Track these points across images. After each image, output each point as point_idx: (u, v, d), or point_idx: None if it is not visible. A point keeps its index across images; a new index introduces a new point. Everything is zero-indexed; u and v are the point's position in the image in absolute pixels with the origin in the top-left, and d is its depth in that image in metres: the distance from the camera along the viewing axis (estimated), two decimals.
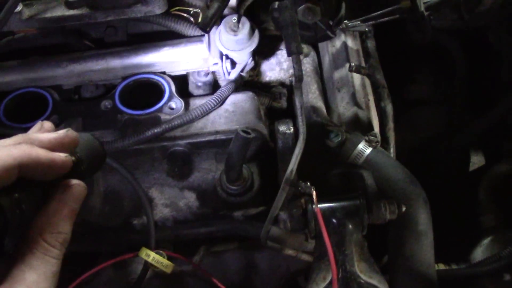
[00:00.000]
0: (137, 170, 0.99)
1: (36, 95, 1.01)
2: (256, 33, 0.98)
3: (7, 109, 1.00)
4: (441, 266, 1.22)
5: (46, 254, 0.48)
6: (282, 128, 0.96)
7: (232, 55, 0.97)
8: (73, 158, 0.54)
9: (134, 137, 0.94)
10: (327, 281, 0.85)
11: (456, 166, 1.35)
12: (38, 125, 0.55)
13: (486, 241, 1.23)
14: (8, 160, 0.46)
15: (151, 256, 0.90)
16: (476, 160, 1.34)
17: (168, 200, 0.99)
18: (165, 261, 0.91)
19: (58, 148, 0.52)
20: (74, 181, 0.52)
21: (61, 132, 0.53)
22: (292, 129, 0.96)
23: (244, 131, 0.83)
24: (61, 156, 0.51)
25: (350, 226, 0.88)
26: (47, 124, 0.55)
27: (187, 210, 1.00)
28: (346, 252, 0.85)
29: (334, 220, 0.88)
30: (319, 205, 0.86)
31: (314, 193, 0.84)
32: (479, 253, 1.23)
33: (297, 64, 0.81)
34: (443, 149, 1.34)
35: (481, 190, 1.28)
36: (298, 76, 0.82)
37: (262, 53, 1.14)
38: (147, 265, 0.94)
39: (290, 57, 0.91)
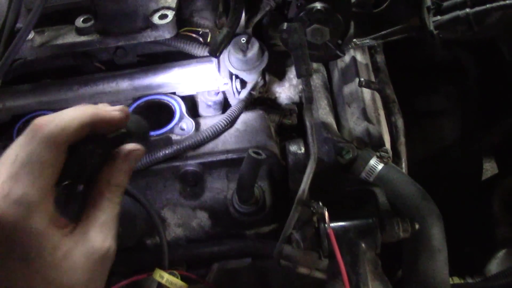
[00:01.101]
0: (149, 190, 0.99)
1: None
2: (266, 52, 0.99)
3: (20, 132, 1.01)
4: (456, 280, 1.21)
5: (112, 199, 0.57)
6: (293, 148, 0.96)
7: (241, 74, 0.97)
8: (124, 130, 0.62)
9: (146, 159, 0.95)
10: None
11: (469, 177, 1.34)
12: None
13: (501, 253, 1.22)
14: (84, 117, 0.54)
15: (165, 278, 0.90)
16: (490, 172, 1.33)
17: (180, 220, 1.00)
18: (179, 282, 0.91)
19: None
20: (135, 145, 0.61)
21: (117, 107, 0.60)
22: (303, 149, 0.96)
23: (255, 152, 0.83)
24: (117, 112, 0.59)
25: (363, 245, 0.88)
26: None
27: (199, 229, 1.00)
28: (359, 272, 0.85)
29: (346, 240, 0.87)
30: (332, 225, 0.86)
31: (326, 213, 0.84)
32: (494, 265, 1.22)
33: (307, 86, 0.81)
34: (456, 160, 1.33)
35: (495, 202, 1.27)
36: (308, 98, 0.82)
37: (271, 69, 1.14)
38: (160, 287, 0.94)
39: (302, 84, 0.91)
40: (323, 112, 1.13)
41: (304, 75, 0.80)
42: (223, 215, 0.99)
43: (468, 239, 1.29)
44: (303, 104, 1.08)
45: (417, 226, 0.90)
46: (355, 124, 1.13)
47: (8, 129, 1.04)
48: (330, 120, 1.12)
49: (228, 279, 1.10)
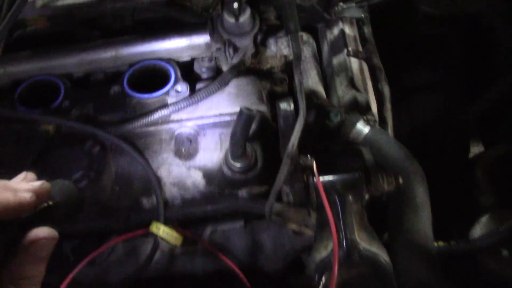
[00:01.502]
0: (146, 151, 1.03)
1: (48, 82, 1.06)
2: (257, 18, 1.03)
3: (21, 96, 1.05)
4: (441, 244, 1.26)
5: None
6: (283, 105, 1.00)
7: (234, 39, 1.02)
8: (50, 203, 0.58)
9: (143, 119, 1.00)
10: (329, 250, 0.89)
11: (455, 149, 1.39)
12: (22, 174, 0.59)
13: (483, 219, 1.27)
14: None
15: (161, 229, 0.95)
16: (474, 143, 1.38)
17: (176, 179, 1.04)
18: (175, 233, 0.96)
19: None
20: (42, 232, 0.54)
21: (37, 184, 0.57)
22: (292, 106, 1.00)
23: (247, 109, 0.88)
24: (26, 197, 0.54)
25: (350, 197, 0.92)
26: (30, 175, 0.59)
27: (194, 189, 1.04)
28: (346, 221, 0.89)
29: (334, 192, 0.92)
30: (320, 178, 0.90)
31: (314, 165, 0.88)
32: (477, 230, 1.26)
33: (295, 42, 0.86)
34: (442, 133, 1.38)
35: (479, 171, 1.32)
36: (297, 54, 0.87)
37: (262, 41, 1.18)
38: (157, 239, 0.98)
39: (290, 41, 0.96)
40: (312, 81, 1.18)
41: (292, 31, 0.84)
42: (216, 174, 1.03)
43: (453, 208, 1.33)
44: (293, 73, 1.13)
45: (400, 180, 0.95)
46: (343, 93, 1.18)
47: (8, 94, 1.08)
48: (320, 88, 1.17)
49: (222, 240, 1.14)
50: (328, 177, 0.93)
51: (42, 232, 0.54)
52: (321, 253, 0.90)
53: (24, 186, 0.56)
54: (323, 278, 0.87)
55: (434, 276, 0.99)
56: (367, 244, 0.89)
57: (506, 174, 1.32)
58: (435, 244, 1.11)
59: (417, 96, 1.40)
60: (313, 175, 0.91)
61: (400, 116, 1.29)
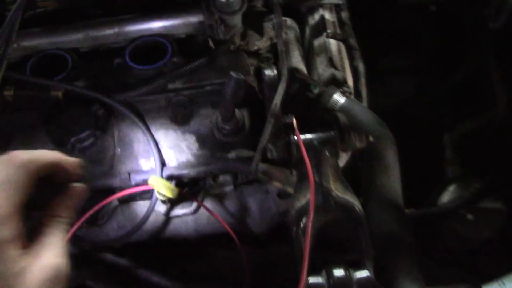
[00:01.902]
0: (145, 117, 1.15)
1: (57, 55, 1.17)
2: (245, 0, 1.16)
3: (32, 68, 1.17)
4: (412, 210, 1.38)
5: (58, 227, 0.65)
6: (268, 71, 1.13)
7: (225, 17, 1.14)
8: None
9: (143, 87, 1.12)
10: (307, 198, 0.99)
11: (427, 125, 1.53)
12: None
13: (451, 187, 1.39)
14: (52, 157, 0.65)
15: (160, 181, 1.06)
16: (444, 120, 1.51)
17: (171, 143, 1.15)
18: (172, 186, 1.07)
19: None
20: (80, 185, 0.70)
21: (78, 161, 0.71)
22: (275, 71, 1.13)
23: (236, 74, 1.00)
24: (77, 166, 0.69)
25: (326, 152, 1.04)
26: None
27: (188, 151, 1.16)
28: (322, 172, 1.01)
29: (312, 148, 1.04)
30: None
31: (295, 122, 1.01)
32: (445, 197, 1.39)
33: (278, 13, 0.98)
34: (415, 111, 1.52)
35: (448, 146, 1.45)
36: (278, 23, 0.99)
37: (250, 25, 1.31)
38: (154, 195, 1.09)
39: (275, 25, 1.09)
40: (295, 60, 1.31)
41: (275, 2, 0.97)
42: (208, 137, 1.15)
43: (424, 181, 1.45)
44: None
45: (371, 138, 1.07)
46: (323, 71, 1.30)
47: (21, 67, 1.19)
48: (302, 66, 1.30)
49: (213, 204, 1.26)
50: (307, 135, 1.05)
51: (78, 186, 0.70)
52: (301, 201, 1.01)
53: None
54: (302, 222, 0.99)
55: (403, 227, 1.10)
56: (341, 193, 1.01)
57: (472, 147, 1.45)
58: (407, 210, 1.24)
59: (392, 78, 1.53)
60: (294, 133, 1.03)
61: (375, 97, 1.42)
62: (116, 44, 1.19)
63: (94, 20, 1.19)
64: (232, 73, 1.00)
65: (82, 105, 1.10)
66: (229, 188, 1.25)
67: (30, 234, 0.64)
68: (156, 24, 1.18)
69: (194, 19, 1.17)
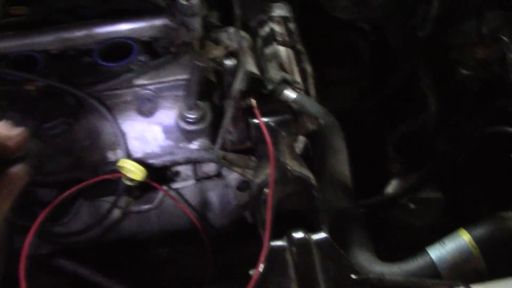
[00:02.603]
0: (112, 110, 1.23)
1: (29, 56, 1.25)
2: (205, 6, 1.29)
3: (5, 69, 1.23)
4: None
5: None
6: (227, 61, 1.24)
7: (186, 20, 1.26)
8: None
9: (111, 82, 1.21)
10: (267, 173, 1.09)
11: (368, 129, 1.68)
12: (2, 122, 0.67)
13: (394, 181, 1.53)
14: None
15: (128, 163, 1.13)
16: (384, 123, 1.67)
17: (138, 134, 1.23)
18: (141, 167, 1.14)
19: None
20: (18, 167, 0.61)
21: (17, 131, 0.63)
22: (235, 61, 1.24)
23: (201, 63, 1.12)
24: (14, 135, 0.62)
25: (283, 133, 1.15)
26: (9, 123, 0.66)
27: (154, 142, 1.24)
28: (280, 150, 1.12)
29: (269, 129, 1.15)
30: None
31: (254, 102, 1.12)
32: (389, 190, 1.52)
33: (236, 5, 1.12)
34: (358, 118, 1.67)
35: (388, 145, 1.60)
36: (237, 15, 1.12)
37: (207, 36, 1.44)
38: (121, 182, 1.15)
39: (231, 36, 1.23)
40: (249, 65, 1.43)
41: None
42: (172, 128, 1.23)
43: (369, 177, 1.58)
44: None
45: (321, 121, 1.20)
46: (274, 75, 1.43)
47: None
48: (256, 70, 1.42)
49: (175, 197, 1.33)
50: (264, 118, 1.16)
51: (17, 168, 0.61)
52: (261, 177, 1.10)
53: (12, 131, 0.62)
54: (263, 193, 1.08)
55: (351, 203, 1.22)
56: (297, 168, 1.11)
57: (409, 146, 1.61)
58: None
59: (336, 88, 1.69)
60: (252, 116, 1.14)
61: (323, 105, 1.56)
62: (85, 46, 1.28)
63: (65, 24, 1.28)
64: (196, 62, 1.12)
65: (55, 97, 1.17)
66: (190, 183, 1.33)
67: None
68: (123, 27, 1.28)
69: (158, 22, 1.29)
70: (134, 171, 1.13)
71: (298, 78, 1.40)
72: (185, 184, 1.33)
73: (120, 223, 1.31)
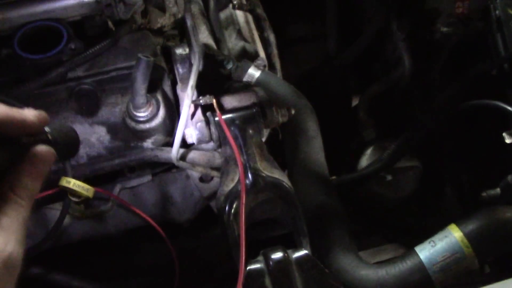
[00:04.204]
0: (46, 112, 1.03)
1: None
2: None
3: None
4: (334, 178, 1.39)
5: (16, 203, 0.55)
6: (179, 51, 1.05)
7: None
8: (49, 136, 0.62)
9: (38, 79, 1.00)
10: (235, 181, 0.96)
11: (337, 92, 1.54)
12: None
13: (368, 151, 1.42)
14: None
15: (72, 182, 0.96)
16: (353, 84, 1.53)
17: (80, 137, 1.05)
18: (86, 185, 0.97)
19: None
20: (44, 148, 0.59)
21: (34, 112, 0.60)
22: (187, 50, 1.05)
23: (145, 56, 0.92)
24: (30, 116, 0.58)
25: (250, 131, 1.00)
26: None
27: (99, 144, 1.06)
28: (248, 152, 0.97)
29: (235, 127, 0.99)
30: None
31: (214, 101, 0.95)
32: (364, 161, 1.42)
33: None
34: (324, 78, 1.52)
35: (360, 109, 1.47)
36: None
37: (150, 3, 1.22)
38: (67, 199, 0.99)
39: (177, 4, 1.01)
40: (203, 35, 1.24)
41: None
42: (120, 127, 1.06)
43: (341, 145, 1.47)
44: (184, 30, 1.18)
45: (293, 111, 1.04)
46: (233, 44, 1.25)
47: None
48: (211, 42, 1.23)
49: (131, 197, 1.18)
50: (228, 115, 1.00)
51: (42, 148, 0.58)
52: (229, 186, 0.97)
53: (27, 110, 0.59)
54: (233, 207, 0.95)
55: (330, 197, 1.10)
56: (269, 172, 0.97)
57: (382, 109, 1.48)
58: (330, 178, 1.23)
59: (301, 47, 1.52)
60: (214, 113, 0.98)
61: (286, 66, 1.39)
62: (1, 33, 1.05)
63: None
64: (140, 55, 0.92)
65: None
66: (147, 179, 1.18)
67: None
68: (47, 7, 1.05)
69: None
70: (79, 192, 0.96)
71: (260, 49, 1.23)
72: (142, 181, 1.17)
73: (71, 229, 1.16)
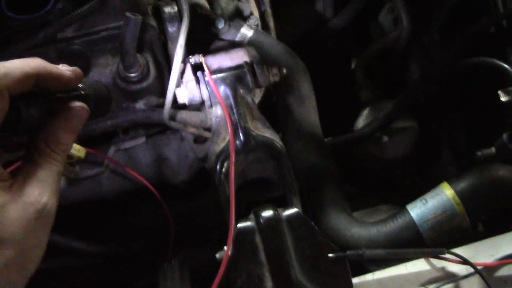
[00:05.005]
0: None
1: None
2: None
3: None
4: (329, 139, 1.38)
5: (51, 157, 0.57)
6: (167, 9, 1.03)
7: None
8: (82, 92, 0.62)
9: (27, 40, 0.98)
10: (226, 141, 0.95)
11: (334, 52, 1.51)
12: None
13: (365, 111, 1.41)
14: (27, 68, 0.54)
15: None
16: (351, 45, 1.51)
17: None
18: (77, 146, 0.98)
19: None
20: (79, 103, 0.60)
21: (69, 67, 0.61)
22: (176, 8, 1.03)
23: (133, 14, 0.91)
24: (67, 70, 0.60)
25: (241, 90, 0.99)
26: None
27: None
28: (239, 112, 0.96)
29: (225, 86, 0.98)
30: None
31: (203, 60, 0.94)
32: (360, 122, 1.40)
33: None
34: (321, 39, 1.49)
35: (357, 70, 1.45)
36: None
37: None
38: None
39: None
40: None
41: None
42: (111, 87, 1.05)
43: (338, 106, 1.45)
44: None
45: (284, 71, 1.03)
46: (226, 4, 1.23)
47: None
48: (203, 1, 1.21)
49: (126, 159, 1.18)
50: (219, 75, 0.98)
51: (77, 104, 0.60)
52: (220, 145, 0.96)
53: (61, 65, 0.60)
54: (224, 166, 0.95)
55: (324, 157, 1.10)
56: (261, 132, 0.97)
57: (379, 70, 1.46)
58: (325, 139, 1.23)
59: (297, 6, 1.49)
60: (203, 70, 0.97)
61: (281, 26, 1.37)
62: None
63: None
64: (128, 14, 0.91)
65: None
66: (141, 140, 1.17)
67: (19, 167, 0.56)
68: None
69: None
70: (72, 151, 0.96)
71: (254, 8, 1.21)
72: (136, 143, 1.17)
73: (66, 192, 1.16)
